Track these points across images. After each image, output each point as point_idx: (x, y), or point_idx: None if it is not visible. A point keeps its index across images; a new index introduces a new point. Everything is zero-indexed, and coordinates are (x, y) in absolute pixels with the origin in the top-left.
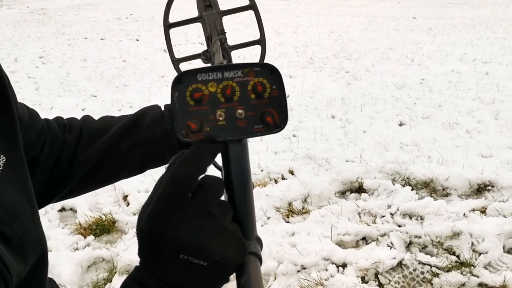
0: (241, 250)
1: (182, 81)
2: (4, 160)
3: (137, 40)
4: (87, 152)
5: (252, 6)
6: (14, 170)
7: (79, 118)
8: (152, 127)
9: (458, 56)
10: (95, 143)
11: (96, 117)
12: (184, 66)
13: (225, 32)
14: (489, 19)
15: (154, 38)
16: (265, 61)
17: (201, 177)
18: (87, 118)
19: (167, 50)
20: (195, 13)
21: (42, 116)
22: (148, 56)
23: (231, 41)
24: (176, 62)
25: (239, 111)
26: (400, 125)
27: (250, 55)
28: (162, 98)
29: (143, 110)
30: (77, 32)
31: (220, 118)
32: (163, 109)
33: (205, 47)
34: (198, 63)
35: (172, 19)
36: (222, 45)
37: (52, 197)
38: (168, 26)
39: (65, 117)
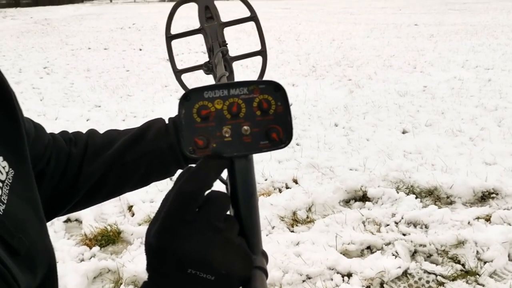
0: (247, 263)
1: (189, 99)
2: (12, 173)
3: (140, 49)
4: (93, 165)
5: (253, 18)
6: (22, 183)
7: (84, 131)
8: (157, 140)
9: (460, 63)
10: (100, 156)
11: (101, 128)
12: (186, 77)
13: (227, 44)
14: (491, 25)
15: (157, 47)
16: (267, 70)
17: (207, 192)
18: (92, 132)
19: (169, 61)
20: (196, 20)
21: (47, 127)
22: (151, 65)
23: (232, 50)
24: (178, 73)
25: (245, 127)
26: (403, 133)
27: (252, 64)
28: (166, 107)
29: (148, 123)
30: (81, 42)
31: (226, 135)
32: (167, 122)
33: (207, 56)
34: (200, 74)
35: (174, 28)
36: (224, 57)
37: (58, 211)
38: (169, 37)
39: (70, 128)
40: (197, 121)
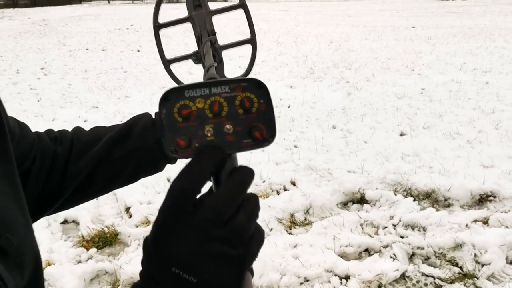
0: (236, 280)
1: (169, 98)
2: None
3: (138, 51)
4: (79, 163)
5: (242, 5)
6: (7, 181)
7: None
8: (144, 135)
9: (458, 66)
10: (86, 154)
11: None
12: (175, 67)
13: (216, 32)
14: (488, 28)
15: (155, 48)
16: (265, 72)
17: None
18: (78, 129)
19: (157, 51)
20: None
21: (44, 128)
22: (149, 67)
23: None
24: (167, 63)
25: (227, 126)
26: (401, 135)
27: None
28: None
29: (134, 118)
30: (79, 43)
31: (209, 134)
32: (154, 116)
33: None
34: (190, 64)
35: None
36: (213, 46)
37: (46, 209)
38: (157, 26)
39: (66, 129)
40: (178, 121)
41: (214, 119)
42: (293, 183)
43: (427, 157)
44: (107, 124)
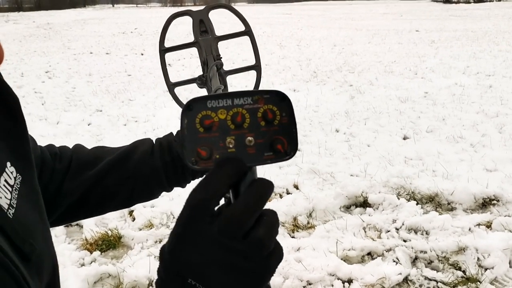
0: None
1: (191, 108)
2: (20, 179)
3: (142, 54)
4: (74, 183)
5: (248, 32)
6: (29, 188)
7: (83, 143)
8: (141, 164)
9: (462, 69)
10: (82, 175)
11: (102, 132)
12: (179, 90)
13: (221, 57)
14: (492, 31)
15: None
16: (268, 76)
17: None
18: (78, 147)
19: (162, 74)
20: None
21: (49, 131)
22: (153, 70)
23: (231, 60)
24: (171, 86)
25: (249, 138)
26: (404, 139)
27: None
28: (167, 112)
29: (135, 143)
30: (83, 46)
31: (230, 145)
32: (154, 142)
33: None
34: (194, 87)
35: (175, 33)
36: (218, 70)
37: None
38: (163, 50)
39: (71, 133)
40: (200, 131)
41: (235, 131)
42: (296, 187)
43: (430, 160)
44: (111, 128)
